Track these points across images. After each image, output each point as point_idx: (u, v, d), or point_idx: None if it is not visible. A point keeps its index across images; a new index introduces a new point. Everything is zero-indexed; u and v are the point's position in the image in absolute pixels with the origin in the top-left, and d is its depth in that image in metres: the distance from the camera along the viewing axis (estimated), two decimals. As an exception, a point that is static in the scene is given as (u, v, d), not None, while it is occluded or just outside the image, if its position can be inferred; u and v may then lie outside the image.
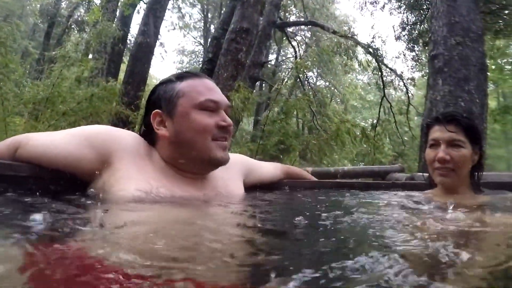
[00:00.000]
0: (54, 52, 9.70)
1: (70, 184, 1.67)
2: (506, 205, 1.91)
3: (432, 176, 2.15)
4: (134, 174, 1.66)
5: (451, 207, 1.67)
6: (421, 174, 2.49)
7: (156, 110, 1.80)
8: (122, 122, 8.06)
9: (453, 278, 0.80)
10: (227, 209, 1.73)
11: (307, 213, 1.71)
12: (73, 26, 22.93)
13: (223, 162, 1.83)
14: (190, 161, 1.80)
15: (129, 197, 1.57)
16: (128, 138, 1.78)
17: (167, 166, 1.81)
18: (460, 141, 2.02)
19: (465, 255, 0.92)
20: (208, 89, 1.82)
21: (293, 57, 18.66)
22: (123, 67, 14.63)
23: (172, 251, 0.98)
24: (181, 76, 1.87)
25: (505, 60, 17.92)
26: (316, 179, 2.80)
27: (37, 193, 1.49)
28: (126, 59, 15.44)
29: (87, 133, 1.71)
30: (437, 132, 2.08)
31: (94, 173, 1.67)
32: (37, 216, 1.05)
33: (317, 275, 0.77)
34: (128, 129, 6.95)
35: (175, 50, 36.96)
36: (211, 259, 0.92)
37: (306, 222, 1.33)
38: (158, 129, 1.79)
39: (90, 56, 13.76)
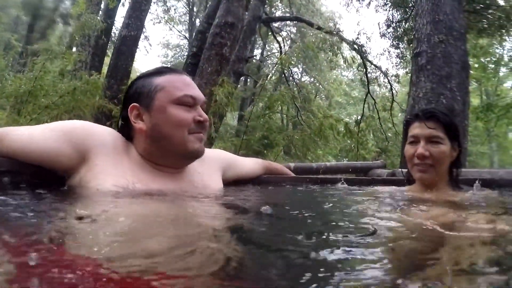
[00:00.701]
0: (37, 46, 9.60)
1: (49, 180, 1.66)
2: (479, 201, 1.93)
3: (411, 172, 2.16)
4: (111, 169, 1.67)
5: (427, 203, 1.75)
6: (401, 170, 2.50)
7: (133, 104, 1.80)
8: (105, 116, 7.98)
9: (423, 274, 0.81)
10: (202, 203, 1.74)
11: (280, 206, 1.74)
12: (57, 19, 22.68)
13: (198, 154, 1.85)
14: (167, 154, 1.81)
15: (106, 192, 1.58)
16: (105, 133, 1.79)
17: (144, 161, 1.81)
18: (439, 137, 2.04)
19: (435, 250, 0.96)
20: (186, 84, 1.84)
21: (278, 52, 18.70)
22: (107, 60, 14.51)
23: (146, 245, 0.98)
24: (159, 71, 1.88)
25: (488, 58, 18.09)
26: (295, 175, 2.81)
27: (16, 188, 1.49)
28: (110, 52, 15.30)
29: (66, 129, 1.71)
30: (416, 129, 2.09)
31: (71, 168, 1.68)
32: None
33: (287, 266, 0.81)
34: (111, 123, 6.91)
35: (160, 43, 36.84)
36: (184, 252, 0.93)
37: (273, 212, 1.36)
38: (135, 122, 1.79)
39: (74, 49, 13.66)
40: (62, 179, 1.71)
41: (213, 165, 2.16)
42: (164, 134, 1.76)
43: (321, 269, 0.80)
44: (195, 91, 1.85)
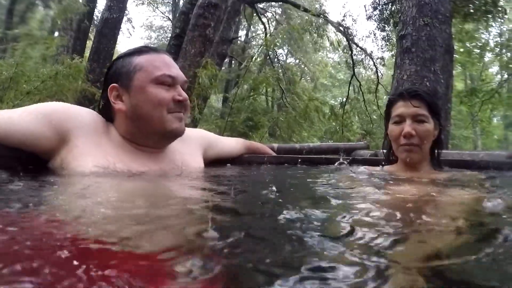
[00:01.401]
0: (17, 30, 9.50)
1: (29, 162, 1.67)
2: (459, 181, 1.93)
3: (396, 153, 2.15)
4: (91, 150, 1.67)
5: (408, 182, 1.81)
6: (382, 151, 2.52)
7: (113, 84, 1.80)
8: (88, 100, 7.91)
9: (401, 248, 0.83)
10: (182, 182, 1.75)
11: (260, 186, 1.78)
12: (37, 2, 22.26)
13: (178, 133, 1.85)
14: (147, 134, 1.81)
15: (87, 173, 1.58)
16: (85, 115, 1.78)
17: (125, 142, 1.81)
18: (424, 115, 2.03)
19: (412, 227, 1.00)
20: (165, 64, 1.83)
21: (263, 33, 18.62)
22: (89, 44, 14.34)
23: (122, 223, 0.99)
24: (139, 51, 1.86)
25: (474, 43, 18.18)
26: (276, 155, 2.83)
27: None
28: (92, 35, 15.12)
29: (44, 111, 1.70)
30: (401, 108, 2.08)
31: (52, 150, 1.68)
32: None
33: (265, 247, 0.82)
34: (94, 107, 6.86)
35: (143, 25, 36.39)
36: (160, 231, 0.93)
37: (250, 192, 1.46)
38: (115, 103, 1.79)
39: (56, 33, 13.49)
40: (42, 161, 1.72)
41: (194, 144, 2.17)
42: (143, 114, 1.76)
43: (300, 248, 0.81)
44: (175, 70, 1.84)
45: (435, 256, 0.79)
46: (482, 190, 1.68)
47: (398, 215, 1.11)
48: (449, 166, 2.24)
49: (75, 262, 0.68)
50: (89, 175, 1.57)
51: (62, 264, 0.68)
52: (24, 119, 1.64)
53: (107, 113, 1.86)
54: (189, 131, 2.01)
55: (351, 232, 0.90)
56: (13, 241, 0.77)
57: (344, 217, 1.07)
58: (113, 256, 0.74)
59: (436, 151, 2.19)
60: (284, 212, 1.11)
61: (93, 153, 1.66)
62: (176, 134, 1.85)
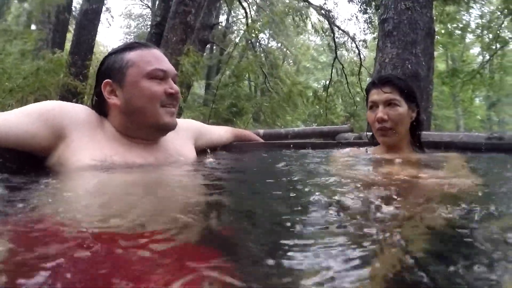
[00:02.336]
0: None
1: (27, 162, 1.69)
2: (438, 162, 2.06)
3: (375, 136, 2.27)
4: (87, 145, 1.71)
5: (388, 163, 1.94)
6: (366, 133, 2.61)
7: (106, 80, 1.83)
8: (71, 94, 7.85)
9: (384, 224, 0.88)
10: (177, 172, 1.84)
11: (251, 172, 1.88)
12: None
13: (171, 127, 1.90)
14: (141, 127, 1.86)
15: (85, 167, 1.63)
16: (79, 111, 1.81)
17: (119, 135, 1.86)
18: (396, 99, 2.15)
19: (390, 205, 1.05)
20: (157, 58, 1.87)
21: (244, 18, 18.53)
22: (69, 36, 14.15)
23: (123, 211, 1.05)
24: (130, 47, 1.90)
25: (455, 25, 18.29)
26: (264, 141, 2.89)
27: None
28: (71, 28, 14.89)
29: (39, 110, 1.72)
30: (374, 95, 2.21)
31: (49, 148, 1.71)
32: None
33: (264, 230, 0.88)
34: (77, 100, 6.81)
35: (122, 14, 35.89)
36: (161, 217, 1.01)
37: (241, 177, 1.54)
38: (109, 98, 1.83)
39: (33, 27, 13.28)
40: (40, 159, 1.74)
41: (186, 134, 2.22)
42: (137, 108, 1.81)
43: (291, 231, 0.84)
44: (166, 65, 1.89)
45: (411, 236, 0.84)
46: (458, 171, 1.77)
47: (376, 195, 1.18)
48: (428, 148, 2.35)
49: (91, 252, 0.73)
50: (87, 169, 1.62)
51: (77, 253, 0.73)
52: (20, 120, 1.66)
53: (100, 108, 1.90)
54: (180, 122, 2.07)
55: (336, 213, 0.97)
56: (24, 238, 0.81)
57: (327, 197, 1.13)
58: (123, 241, 0.80)
59: (416, 132, 2.29)
60: (274, 194, 1.21)
61: (89, 148, 1.70)
62: (169, 128, 1.90)
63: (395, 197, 1.22)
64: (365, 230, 0.83)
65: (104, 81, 1.83)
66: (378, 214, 0.97)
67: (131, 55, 1.84)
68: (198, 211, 1.06)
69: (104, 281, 0.62)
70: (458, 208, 1.10)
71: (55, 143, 1.70)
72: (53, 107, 1.75)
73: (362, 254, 0.69)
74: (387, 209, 1.02)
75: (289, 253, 0.69)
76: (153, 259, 0.72)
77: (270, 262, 0.67)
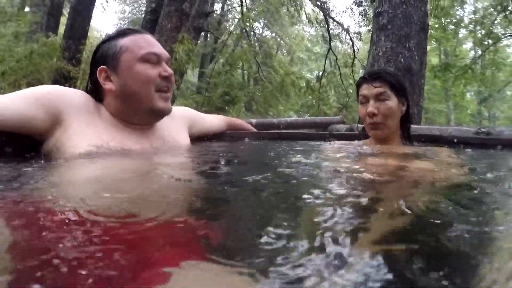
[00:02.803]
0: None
1: (24, 145, 1.72)
2: (426, 155, 2.13)
3: (366, 129, 2.35)
4: (85, 130, 1.74)
5: (378, 155, 2.03)
6: (357, 125, 2.68)
7: (101, 67, 1.87)
8: (63, 78, 7.81)
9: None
10: (172, 158, 1.88)
11: (245, 162, 1.90)
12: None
13: (165, 112, 1.94)
14: (136, 112, 1.89)
15: (82, 153, 1.65)
16: (76, 96, 1.84)
17: (115, 120, 1.89)
18: (386, 94, 2.23)
19: (376, 194, 1.11)
20: (149, 43, 1.91)
21: (239, 6, 18.46)
22: (63, 20, 14.02)
23: (121, 196, 1.09)
24: (123, 33, 1.93)
25: (449, 20, 18.30)
26: (257, 131, 2.94)
27: None
28: (65, 11, 14.75)
29: (37, 94, 1.75)
30: (365, 90, 2.29)
31: (46, 132, 1.74)
32: None
33: (256, 217, 0.91)
34: (70, 84, 6.78)
35: (117, -1, 35.49)
36: (154, 203, 1.05)
37: (233, 168, 1.56)
38: (105, 84, 1.87)
39: (27, 9, 13.14)
40: (36, 143, 1.77)
41: (180, 121, 2.27)
42: (132, 92, 1.84)
43: (280, 219, 0.88)
44: (159, 49, 1.92)
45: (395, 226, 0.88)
46: (445, 163, 1.85)
47: (364, 184, 1.25)
48: (418, 141, 2.43)
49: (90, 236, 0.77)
50: (84, 154, 1.64)
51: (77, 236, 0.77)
52: (17, 103, 1.68)
53: (96, 94, 1.93)
54: (175, 109, 2.13)
55: (325, 201, 1.01)
56: (28, 225, 0.83)
57: (316, 186, 1.19)
58: (120, 227, 0.83)
59: (406, 126, 2.37)
60: (263, 182, 1.25)
61: (86, 133, 1.73)
62: (163, 113, 1.94)
63: (382, 187, 1.29)
64: (351, 216, 0.87)
65: (99, 68, 1.87)
66: (365, 202, 1.01)
67: (124, 41, 1.87)
68: (190, 197, 1.12)
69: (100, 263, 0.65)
70: (439, 196, 1.17)
71: (52, 127, 1.73)
72: (50, 91, 1.79)
73: (345, 240, 0.72)
74: (373, 198, 1.08)
75: (278, 241, 0.72)
76: (148, 243, 0.77)
77: (258, 244, 0.71)
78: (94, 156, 1.65)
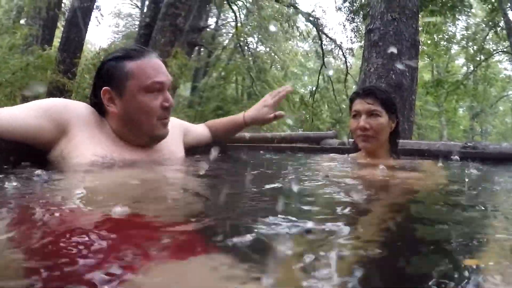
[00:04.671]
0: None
1: (28, 155, 1.72)
2: (412, 167, 2.23)
3: (356, 142, 2.42)
4: (90, 140, 1.80)
5: (367, 166, 2.13)
6: (348, 140, 2.77)
7: (106, 88, 1.89)
8: (58, 91, 7.82)
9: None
10: (171, 168, 2.01)
11: (239, 173, 1.99)
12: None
13: (164, 137, 2.02)
14: (136, 136, 1.96)
15: (87, 162, 1.71)
16: (82, 108, 1.90)
17: (116, 136, 1.95)
18: (377, 111, 2.30)
19: (364, 202, 1.15)
20: (156, 70, 1.93)
21: (233, 21, 18.54)
22: (57, 33, 14.05)
23: (128, 201, 1.17)
24: (129, 55, 1.93)
25: (441, 36, 18.46)
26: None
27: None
28: (60, 24, 14.78)
29: (44, 106, 1.80)
30: (358, 105, 2.36)
31: (52, 142, 1.79)
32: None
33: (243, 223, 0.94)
34: (65, 97, 6.78)
35: (111, 13, 35.60)
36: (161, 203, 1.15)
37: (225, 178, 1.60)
38: (108, 105, 1.90)
39: (22, 21, 13.14)
40: (41, 153, 1.81)
41: (175, 132, 2.31)
42: (134, 120, 1.90)
43: (273, 224, 0.91)
44: (163, 77, 1.94)
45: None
46: (430, 175, 1.95)
47: (352, 193, 1.27)
48: (406, 155, 2.54)
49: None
50: (89, 164, 1.70)
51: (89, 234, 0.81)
52: (24, 114, 1.74)
53: (99, 109, 1.97)
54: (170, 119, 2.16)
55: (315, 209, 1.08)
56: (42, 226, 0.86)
57: (308, 195, 1.27)
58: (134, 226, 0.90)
59: (394, 141, 2.45)
60: (255, 191, 1.33)
61: (91, 143, 1.79)
62: (162, 138, 2.02)
63: (370, 195, 1.34)
64: (340, 220, 0.92)
65: (103, 89, 1.89)
66: (352, 209, 1.06)
67: (131, 66, 1.88)
68: (188, 201, 1.19)
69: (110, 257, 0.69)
70: (423, 205, 1.25)
71: (58, 137, 1.78)
72: (56, 103, 1.84)
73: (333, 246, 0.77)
74: (361, 206, 1.12)
75: (272, 239, 0.78)
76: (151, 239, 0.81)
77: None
78: (98, 165, 1.71)
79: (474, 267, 0.69)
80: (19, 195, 1.14)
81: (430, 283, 0.62)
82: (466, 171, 2.20)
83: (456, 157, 2.41)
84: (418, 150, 2.68)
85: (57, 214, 0.92)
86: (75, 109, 1.86)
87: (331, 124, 17.62)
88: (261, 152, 2.90)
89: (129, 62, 1.89)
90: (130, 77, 1.87)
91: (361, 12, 15.64)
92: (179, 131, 2.39)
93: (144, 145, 2.03)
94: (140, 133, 1.94)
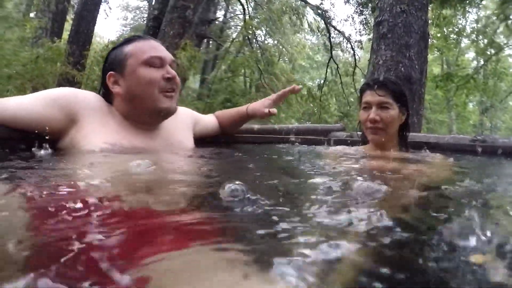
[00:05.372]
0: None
1: (38, 143, 1.74)
2: (421, 159, 2.20)
3: (365, 134, 2.41)
4: (99, 129, 1.84)
5: (376, 158, 2.10)
6: (357, 133, 2.75)
7: (110, 73, 1.99)
8: (68, 83, 7.85)
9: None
10: (178, 156, 1.99)
11: (247, 164, 1.93)
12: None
13: (169, 111, 2.03)
14: (142, 112, 1.99)
15: (97, 150, 1.75)
16: (91, 97, 1.95)
17: (125, 121, 1.99)
18: (388, 103, 2.28)
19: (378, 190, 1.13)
20: (153, 47, 2.02)
21: (241, 14, 18.52)
22: (67, 26, 14.12)
23: (134, 188, 1.18)
24: (128, 40, 2.07)
25: (451, 29, 18.30)
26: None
27: (8, 152, 1.62)
28: (69, 17, 14.83)
29: (53, 95, 1.85)
30: (368, 96, 2.34)
31: (62, 131, 1.83)
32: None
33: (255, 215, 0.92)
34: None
35: (119, 6, 35.72)
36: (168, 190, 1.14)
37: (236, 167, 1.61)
38: (113, 88, 1.98)
39: (32, 15, 13.20)
40: (52, 142, 1.80)
41: (185, 121, 2.37)
42: (137, 94, 1.94)
43: (282, 211, 0.91)
44: (162, 52, 2.03)
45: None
46: (438, 167, 1.93)
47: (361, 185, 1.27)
48: (415, 148, 2.49)
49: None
50: (98, 151, 1.74)
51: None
52: (34, 103, 1.78)
53: (107, 98, 2.04)
54: (179, 109, 2.21)
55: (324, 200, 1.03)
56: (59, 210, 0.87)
57: (316, 186, 1.22)
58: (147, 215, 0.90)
59: (403, 133, 2.44)
60: (263, 183, 1.31)
61: (101, 131, 1.83)
62: (168, 112, 2.03)
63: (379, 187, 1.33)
64: (350, 214, 0.89)
65: (108, 74, 1.98)
66: (361, 202, 1.04)
67: (129, 47, 1.99)
68: (195, 190, 1.19)
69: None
70: (430, 196, 1.23)
71: (67, 126, 1.81)
72: (65, 92, 1.88)
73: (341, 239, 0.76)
74: (369, 198, 1.10)
75: (283, 234, 0.76)
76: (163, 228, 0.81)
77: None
78: (109, 152, 1.75)
79: (482, 263, 0.68)
80: (26, 180, 1.14)
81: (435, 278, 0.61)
82: (475, 165, 2.20)
83: (479, 149, 2.40)
84: (427, 143, 2.64)
85: (62, 202, 0.92)
86: (84, 98, 1.89)
87: (339, 117, 17.58)
88: (269, 143, 2.90)
89: (127, 46, 2.01)
90: (129, 56, 1.96)
91: (369, 4, 15.55)
92: (189, 120, 2.42)
93: (151, 124, 2.07)
94: (144, 108, 1.97)
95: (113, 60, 2.02)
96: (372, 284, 0.57)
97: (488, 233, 0.74)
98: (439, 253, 0.70)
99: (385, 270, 0.61)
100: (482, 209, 1.08)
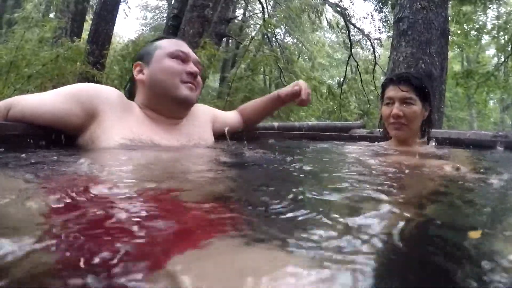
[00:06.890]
0: (16, 15, 9.54)
1: (58, 139, 1.79)
2: (443, 155, 2.19)
3: (388, 130, 2.40)
4: (118, 124, 1.84)
5: (398, 153, 2.11)
6: (378, 130, 2.74)
7: (137, 62, 2.09)
8: (88, 82, 7.89)
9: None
10: (199, 152, 2.02)
11: (268, 160, 1.92)
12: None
13: (189, 100, 2.07)
14: (163, 100, 2.04)
15: (116, 145, 1.76)
16: (110, 92, 1.95)
17: (145, 116, 2.02)
18: (411, 99, 2.27)
19: (398, 187, 1.17)
20: (179, 44, 2.13)
21: (260, 12, 18.53)
22: (86, 26, 14.26)
23: (157, 180, 1.20)
24: (158, 38, 2.21)
25: (471, 25, 18.08)
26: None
27: (30, 149, 1.60)
28: (88, 17, 14.98)
29: (74, 91, 1.85)
30: (391, 91, 2.32)
31: (82, 126, 1.84)
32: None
33: (278, 206, 0.92)
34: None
35: (139, 5, 35.91)
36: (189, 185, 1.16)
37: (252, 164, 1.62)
38: (137, 76, 2.07)
39: (52, 15, 13.35)
40: (71, 138, 1.86)
41: (204, 118, 2.39)
42: (159, 81, 2.01)
43: (306, 204, 0.94)
44: (188, 49, 2.12)
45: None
46: (462, 163, 1.88)
47: (384, 181, 1.30)
48: (437, 143, 2.47)
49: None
50: (117, 147, 1.75)
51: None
52: (55, 99, 1.80)
53: (130, 91, 2.14)
54: (198, 106, 2.33)
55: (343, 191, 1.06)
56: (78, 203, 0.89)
57: (337, 182, 1.25)
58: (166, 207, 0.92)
59: (425, 130, 2.43)
60: (291, 176, 1.34)
61: (120, 127, 1.83)
62: (187, 101, 2.06)
63: (401, 180, 1.36)
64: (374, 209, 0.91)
65: (135, 63, 2.09)
66: (384, 192, 1.05)
67: (159, 42, 2.12)
68: (215, 184, 1.20)
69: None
70: (454, 192, 1.24)
71: (87, 122, 1.82)
72: (85, 88, 1.89)
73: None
74: (391, 188, 1.14)
75: (303, 222, 0.78)
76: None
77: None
78: (127, 147, 1.76)
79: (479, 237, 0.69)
80: (50, 175, 1.16)
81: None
82: (498, 160, 2.18)
83: (501, 148, 2.39)
84: (449, 139, 2.64)
85: (87, 196, 0.93)
86: (104, 93, 1.91)
87: (359, 115, 17.48)
88: (290, 139, 2.92)
89: (158, 41, 2.13)
90: (157, 48, 2.06)
91: (389, 1, 15.47)
92: (208, 117, 2.44)
93: (171, 116, 2.11)
94: (165, 95, 2.01)
95: (142, 53, 2.13)
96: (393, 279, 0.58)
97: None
98: (461, 252, 0.70)
99: (401, 266, 0.62)
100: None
